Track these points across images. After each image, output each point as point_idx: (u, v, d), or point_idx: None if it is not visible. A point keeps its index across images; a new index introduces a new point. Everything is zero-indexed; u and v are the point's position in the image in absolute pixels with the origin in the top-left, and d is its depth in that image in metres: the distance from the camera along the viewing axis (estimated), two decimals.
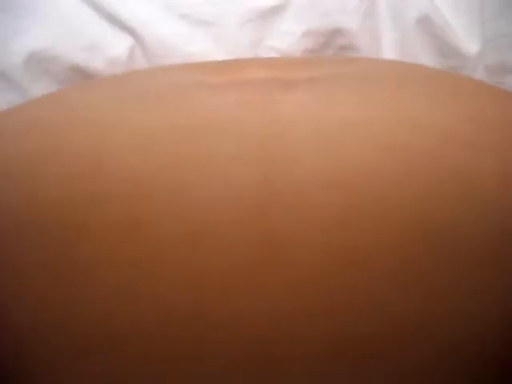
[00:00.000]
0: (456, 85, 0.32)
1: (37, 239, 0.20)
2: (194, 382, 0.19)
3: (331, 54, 0.47)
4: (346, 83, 0.29)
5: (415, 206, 0.20)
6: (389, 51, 0.49)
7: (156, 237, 0.20)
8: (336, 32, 0.46)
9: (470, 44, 0.50)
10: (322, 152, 0.22)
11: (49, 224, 0.20)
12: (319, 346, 0.19)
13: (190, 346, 0.19)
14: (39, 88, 0.43)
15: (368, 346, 0.19)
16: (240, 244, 0.20)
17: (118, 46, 0.45)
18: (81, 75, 0.44)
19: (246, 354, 0.19)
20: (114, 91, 0.31)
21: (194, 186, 0.21)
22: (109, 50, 0.45)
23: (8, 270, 0.20)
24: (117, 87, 0.33)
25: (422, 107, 0.25)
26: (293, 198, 0.20)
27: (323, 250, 0.20)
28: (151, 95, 0.28)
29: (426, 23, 0.49)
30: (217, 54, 0.45)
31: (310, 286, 0.19)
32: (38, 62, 0.43)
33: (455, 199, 0.21)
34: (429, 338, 0.19)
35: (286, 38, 0.46)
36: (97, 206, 0.20)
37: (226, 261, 0.20)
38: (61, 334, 0.19)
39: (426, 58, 0.50)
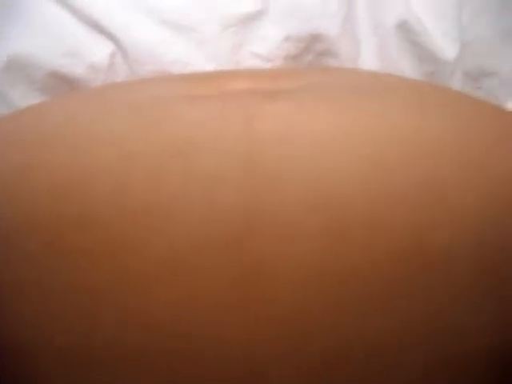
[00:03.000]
0: (439, 97, 0.32)
1: (24, 251, 0.20)
2: None
3: (311, 58, 0.48)
4: (328, 94, 0.29)
5: (399, 224, 0.20)
6: (368, 56, 0.50)
7: (140, 252, 0.20)
8: (316, 37, 0.47)
9: (447, 49, 0.50)
10: (304, 169, 0.22)
11: (36, 238, 0.20)
12: (307, 366, 0.19)
13: (177, 364, 0.19)
14: (19, 93, 0.43)
15: (357, 363, 0.19)
16: (222, 262, 0.20)
17: (98, 52, 0.45)
18: (61, 81, 0.44)
19: (234, 372, 0.19)
20: (96, 104, 0.31)
21: (176, 205, 0.21)
22: (89, 56, 0.45)
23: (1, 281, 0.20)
24: (99, 100, 0.33)
25: (406, 120, 0.25)
26: (275, 218, 0.20)
27: (306, 270, 0.20)
28: (133, 108, 0.28)
29: (404, 29, 0.50)
30: (198, 59, 0.45)
31: (294, 306, 0.19)
32: (17, 67, 0.43)
33: (436, 212, 0.21)
34: (414, 356, 0.20)
35: (266, 43, 0.46)
36: (81, 220, 0.20)
37: (210, 279, 0.20)
38: (50, 347, 0.20)
39: (405, 63, 0.51)
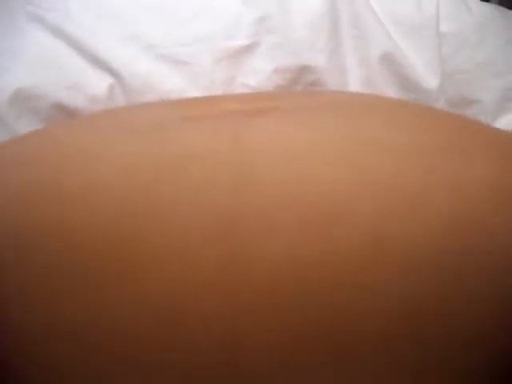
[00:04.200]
0: (415, 112, 0.35)
1: (37, 255, 0.22)
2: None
3: (301, 89, 0.50)
4: (311, 111, 0.32)
5: (368, 221, 0.22)
6: (355, 87, 0.52)
7: (137, 251, 0.22)
8: (304, 69, 0.50)
9: (430, 79, 0.53)
10: (282, 174, 0.24)
11: (48, 242, 0.23)
12: (281, 340, 0.21)
13: (166, 348, 0.21)
14: (24, 124, 0.45)
15: (324, 339, 0.21)
16: (209, 255, 0.22)
17: (98, 84, 0.48)
18: (63, 112, 0.47)
19: (217, 340, 0.21)
20: (98, 126, 0.34)
21: (171, 210, 0.23)
22: (90, 88, 0.48)
23: (14, 282, 0.22)
24: (100, 122, 0.35)
25: (381, 132, 0.27)
26: (257, 215, 0.23)
27: (283, 259, 0.22)
28: (132, 128, 0.31)
29: (388, 60, 0.53)
30: (192, 91, 0.48)
31: (271, 288, 0.21)
32: (22, 99, 0.46)
33: (404, 213, 0.23)
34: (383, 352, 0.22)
35: (257, 75, 0.49)
36: (88, 227, 0.23)
37: (200, 267, 0.22)
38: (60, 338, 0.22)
39: (390, 92, 0.53)
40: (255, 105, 0.35)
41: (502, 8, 0.62)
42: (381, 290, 0.21)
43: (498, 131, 0.33)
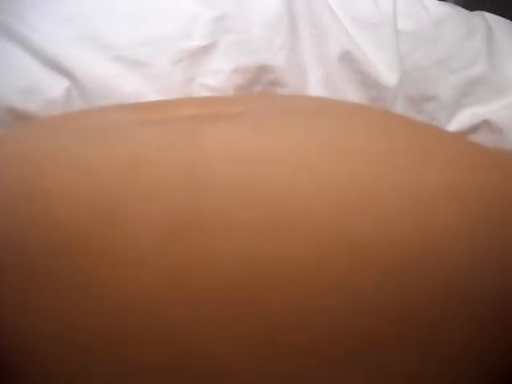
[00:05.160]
0: (373, 116, 0.35)
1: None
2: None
3: (260, 89, 0.50)
4: (270, 116, 0.32)
5: (325, 222, 0.22)
6: (315, 85, 0.53)
7: (89, 254, 0.22)
8: (263, 68, 0.50)
9: (389, 76, 0.54)
10: (237, 174, 0.24)
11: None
12: (238, 341, 0.21)
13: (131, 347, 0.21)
14: None
15: (287, 338, 0.21)
16: (166, 255, 0.22)
17: (54, 87, 0.47)
18: (18, 117, 0.46)
19: (171, 350, 0.21)
20: (50, 129, 0.33)
21: (128, 209, 0.22)
22: (46, 92, 0.47)
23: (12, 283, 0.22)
24: (54, 125, 0.35)
25: (339, 135, 0.28)
26: (214, 215, 0.22)
27: (241, 258, 0.21)
28: (87, 131, 0.30)
29: (347, 58, 0.53)
30: (151, 93, 0.47)
31: (228, 291, 0.21)
32: None
33: (362, 213, 0.23)
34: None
35: (216, 75, 0.49)
36: (37, 231, 0.22)
37: (150, 273, 0.21)
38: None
39: (350, 90, 0.54)
40: (214, 109, 0.35)
41: (458, 7, 0.63)
42: (340, 291, 0.21)
43: (454, 135, 0.33)
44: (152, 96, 0.48)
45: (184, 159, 0.25)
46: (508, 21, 0.66)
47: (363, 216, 0.22)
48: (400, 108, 0.55)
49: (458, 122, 0.56)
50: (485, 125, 0.56)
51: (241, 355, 0.21)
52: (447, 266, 0.22)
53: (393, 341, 0.21)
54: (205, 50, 0.49)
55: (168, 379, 0.21)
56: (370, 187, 0.24)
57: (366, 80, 0.54)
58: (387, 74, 0.54)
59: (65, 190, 0.24)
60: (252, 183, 0.23)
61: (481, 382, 0.22)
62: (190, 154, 0.25)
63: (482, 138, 0.57)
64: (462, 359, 0.22)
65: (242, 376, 0.21)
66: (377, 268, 0.22)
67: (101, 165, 0.25)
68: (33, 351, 0.21)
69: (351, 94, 0.53)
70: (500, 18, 0.65)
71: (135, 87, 0.48)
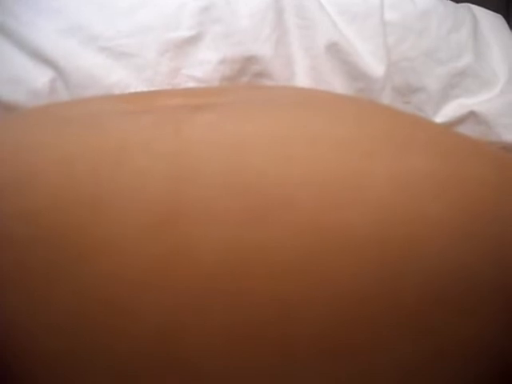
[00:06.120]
0: (358, 105, 0.35)
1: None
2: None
3: (247, 80, 0.50)
4: (255, 106, 0.32)
5: (309, 210, 0.22)
6: (302, 76, 0.52)
7: (73, 244, 0.21)
8: (250, 59, 0.49)
9: (376, 67, 0.54)
10: (223, 163, 0.24)
11: None
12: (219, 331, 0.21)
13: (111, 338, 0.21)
14: None
15: (269, 329, 0.21)
16: (150, 245, 0.21)
17: (39, 78, 0.46)
18: (2, 107, 0.45)
19: (154, 339, 0.21)
20: (38, 120, 0.33)
21: (112, 198, 0.22)
22: (31, 82, 0.46)
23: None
24: (37, 116, 0.34)
25: (322, 124, 0.28)
26: (199, 205, 0.22)
27: (226, 249, 0.21)
28: (70, 121, 0.30)
29: (334, 49, 0.53)
30: (137, 83, 0.47)
31: (213, 282, 0.21)
32: None
33: (344, 201, 0.23)
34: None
35: (202, 66, 0.49)
36: (20, 221, 0.22)
37: (136, 263, 0.21)
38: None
39: (337, 81, 0.54)
40: (198, 100, 0.34)
41: None
42: (326, 281, 0.21)
43: (441, 127, 0.33)
44: (138, 87, 0.47)
45: (168, 149, 0.25)
46: (494, 13, 0.66)
47: (349, 206, 0.22)
48: (387, 99, 0.55)
49: (444, 114, 0.56)
50: (471, 116, 0.56)
51: (227, 347, 0.21)
52: (435, 258, 0.22)
53: (381, 333, 0.22)
54: (191, 41, 0.48)
55: (156, 370, 0.21)
56: (356, 177, 0.24)
57: (353, 71, 0.54)
58: (374, 65, 0.54)
59: (48, 179, 0.23)
60: (236, 172, 0.23)
61: (481, 382, 0.23)
62: (174, 144, 0.25)
63: (468, 130, 0.57)
64: (451, 352, 0.22)
65: (228, 368, 0.21)
66: (363, 258, 0.22)
67: (84, 154, 0.25)
68: (18, 344, 0.21)
69: (338, 84, 0.53)
70: (486, 10, 0.65)
71: (121, 78, 0.47)
